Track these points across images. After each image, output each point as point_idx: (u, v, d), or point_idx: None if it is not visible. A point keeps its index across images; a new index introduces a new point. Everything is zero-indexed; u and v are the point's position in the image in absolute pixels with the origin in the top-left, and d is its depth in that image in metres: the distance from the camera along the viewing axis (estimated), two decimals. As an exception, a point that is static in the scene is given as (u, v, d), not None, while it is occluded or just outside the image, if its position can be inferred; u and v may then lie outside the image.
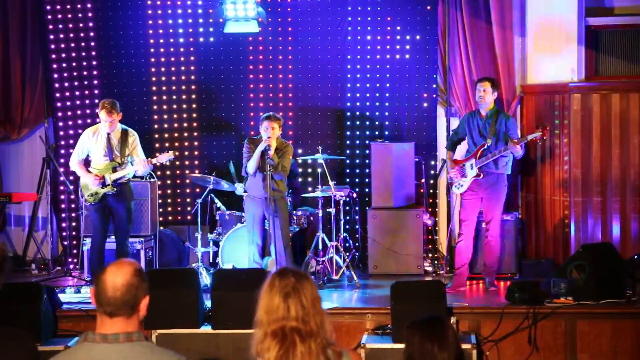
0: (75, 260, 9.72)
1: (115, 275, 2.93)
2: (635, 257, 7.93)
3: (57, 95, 10.09)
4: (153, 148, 9.77)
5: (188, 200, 10.11)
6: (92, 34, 10.09)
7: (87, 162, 8.56)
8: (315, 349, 2.99)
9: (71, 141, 10.00)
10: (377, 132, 9.98)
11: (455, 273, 8.50)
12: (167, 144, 10.05)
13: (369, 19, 9.92)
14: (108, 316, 2.93)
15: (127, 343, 2.90)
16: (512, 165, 8.58)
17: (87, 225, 8.88)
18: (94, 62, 10.10)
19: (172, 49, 10.10)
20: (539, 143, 8.94)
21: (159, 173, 9.85)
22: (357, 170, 10.03)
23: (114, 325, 2.93)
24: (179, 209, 10.17)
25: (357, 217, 9.67)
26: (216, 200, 9.34)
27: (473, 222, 8.45)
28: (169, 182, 10.17)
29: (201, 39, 10.10)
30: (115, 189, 8.31)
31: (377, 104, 9.98)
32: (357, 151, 10.05)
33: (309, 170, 9.88)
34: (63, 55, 10.06)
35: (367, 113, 10.01)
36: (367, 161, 9.78)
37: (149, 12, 10.09)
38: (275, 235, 8.23)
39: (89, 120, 9.88)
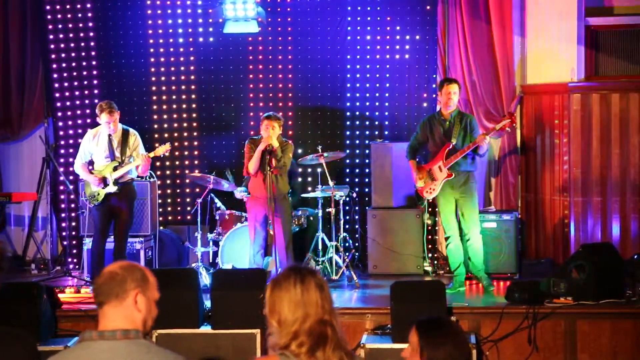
0: (75, 260, 9.73)
1: (108, 268, 3.01)
2: (635, 257, 7.93)
3: (57, 95, 10.09)
4: (153, 148, 9.75)
5: (188, 200, 10.11)
6: (92, 34, 10.09)
7: (91, 164, 8.59)
8: (338, 345, 3.01)
9: (71, 141, 10.01)
10: (377, 132, 9.98)
11: (453, 274, 8.49)
12: (168, 143, 10.02)
13: (369, 19, 9.92)
14: (99, 307, 2.96)
15: (124, 340, 2.90)
16: (481, 164, 8.63)
17: (87, 225, 8.88)
18: (94, 62, 10.10)
19: (172, 49, 10.09)
20: (509, 131, 8.98)
21: (158, 173, 9.86)
22: (357, 170, 10.03)
23: (109, 319, 2.94)
24: (179, 209, 10.17)
25: (357, 217, 9.67)
26: (216, 200, 9.34)
27: (455, 222, 8.39)
28: (169, 182, 10.17)
29: (201, 39, 10.10)
30: (117, 187, 8.33)
31: (377, 104, 9.98)
32: (357, 151, 10.04)
33: (309, 170, 9.87)
34: (63, 55, 10.06)
35: (367, 113, 10.00)
36: (367, 161, 9.79)
37: (149, 12, 10.09)
38: (277, 235, 8.24)
39: (88, 120, 9.88)
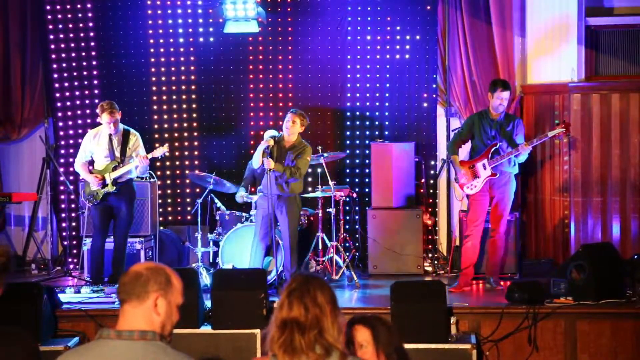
0: (75, 260, 9.72)
1: (135, 267, 3.03)
2: (635, 257, 7.93)
3: (57, 95, 10.09)
4: (153, 148, 9.76)
5: (188, 200, 10.10)
6: (92, 34, 10.09)
7: (92, 163, 8.61)
8: (313, 342, 3.02)
9: (71, 141, 10.01)
10: (377, 132, 9.97)
11: (461, 273, 8.48)
12: (166, 144, 10.04)
13: (369, 19, 9.92)
14: (120, 304, 3.00)
15: (141, 341, 2.93)
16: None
17: (88, 225, 8.89)
18: (94, 62, 10.10)
19: (172, 49, 10.09)
20: (562, 140, 8.93)
21: (158, 173, 9.86)
22: (357, 170, 10.02)
23: (128, 319, 2.96)
24: (179, 209, 10.17)
25: (357, 217, 9.66)
26: (216, 200, 9.33)
27: (482, 222, 8.44)
28: (169, 182, 10.17)
29: (201, 39, 10.10)
30: (114, 188, 8.35)
31: (377, 104, 9.98)
32: (357, 151, 10.04)
33: (309, 170, 9.86)
34: (63, 55, 10.06)
35: (367, 113, 10.00)
36: (367, 161, 9.78)
37: (149, 12, 10.09)
38: (281, 234, 8.26)
39: (88, 120, 9.89)
